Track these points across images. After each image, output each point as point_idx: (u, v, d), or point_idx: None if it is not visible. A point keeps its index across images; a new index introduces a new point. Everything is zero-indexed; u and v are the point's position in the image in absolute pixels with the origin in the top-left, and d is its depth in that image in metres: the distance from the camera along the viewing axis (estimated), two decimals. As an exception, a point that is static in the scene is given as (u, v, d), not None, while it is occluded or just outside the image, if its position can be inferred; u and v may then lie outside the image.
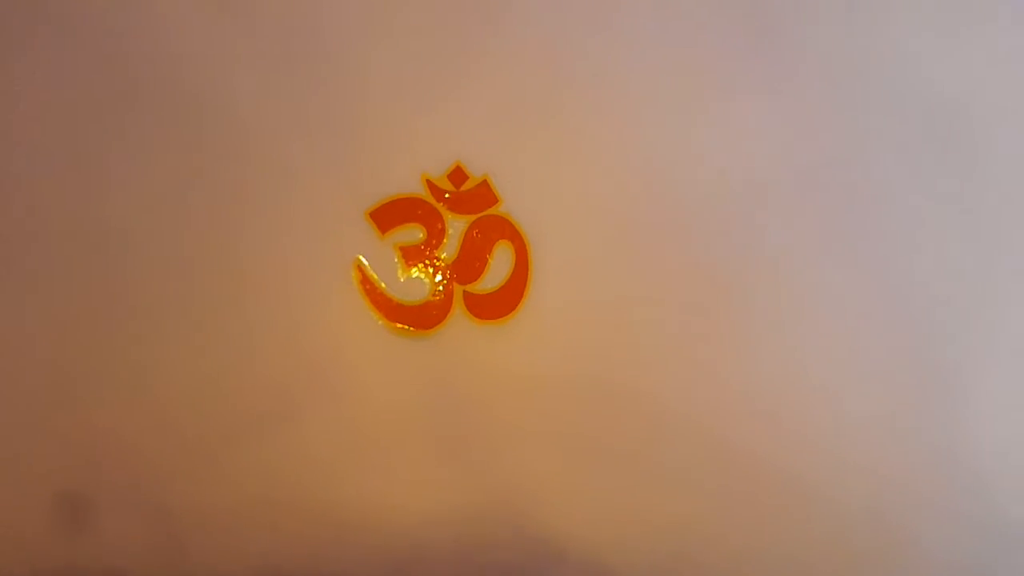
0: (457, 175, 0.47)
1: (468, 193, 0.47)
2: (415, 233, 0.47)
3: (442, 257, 0.47)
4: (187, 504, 0.52)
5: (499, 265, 0.48)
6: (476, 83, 0.46)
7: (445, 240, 0.47)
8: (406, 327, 0.48)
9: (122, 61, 0.47)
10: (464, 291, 0.48)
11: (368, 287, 0.47)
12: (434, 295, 0.47)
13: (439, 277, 0.47)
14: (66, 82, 0.48)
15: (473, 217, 0.47)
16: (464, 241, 0.47)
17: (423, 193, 0.47)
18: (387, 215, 0.47)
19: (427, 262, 0.47)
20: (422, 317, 0.48)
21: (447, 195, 0.47)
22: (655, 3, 0.47)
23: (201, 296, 0.49)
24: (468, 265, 0.47)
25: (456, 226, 0.47)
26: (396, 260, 0.47)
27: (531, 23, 0.47)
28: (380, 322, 0.48)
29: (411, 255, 0.47)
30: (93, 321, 0.49)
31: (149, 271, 0.49)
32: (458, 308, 0.48)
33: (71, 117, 0.48)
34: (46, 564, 0.53)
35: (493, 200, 0.47)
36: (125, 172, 0.47)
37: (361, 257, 0.47)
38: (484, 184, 0.47)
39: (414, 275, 0.48)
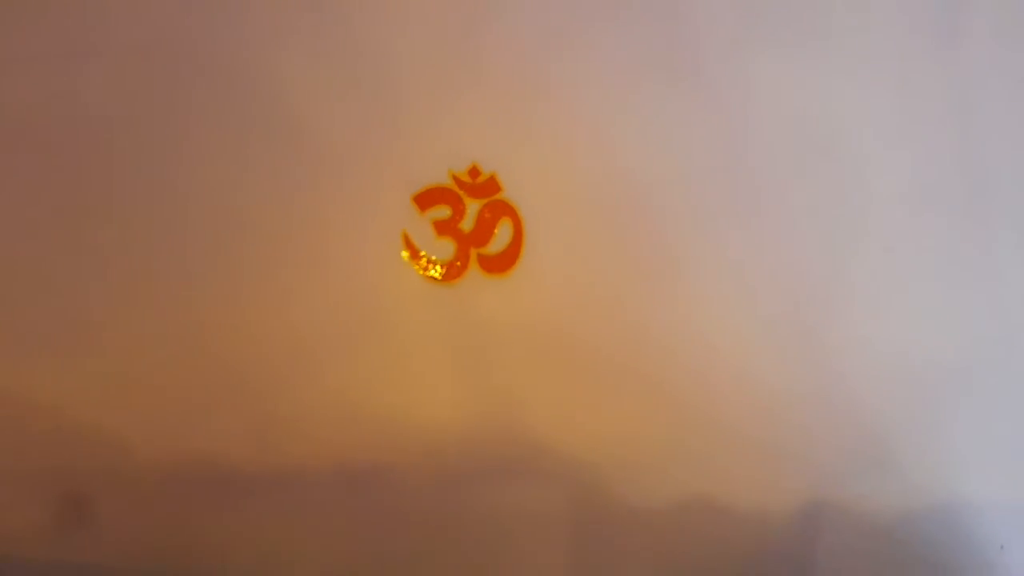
0: (473, 171, 0.67)
1: (481, 184, 0.67)
2: (444, 211, 0.67)
3: (462, 229, 0.67)
4: (279, 412, 0.71)
5: (502, 235, 0.68)
6: (489, 101, 0.67)
7: (464, 217, 0.67)
8: (437, 279, 0.67)
9: (191, 58, 0.67)
10: (478, 253, 0.68)
11: (411, 250, 0.67)
12: (456, 256, 0.67)
13: (460, 244, 0.67)
14: (135, 67, 0.66)
15: (484, 201, 0.67)
16: (478, 218, 0.67)
17: (450, 183, 0.67)
18: (425, 199, 0.67)
19: (452, 232, 0.67)
20: (448, 272, 0.68)
21: (466, 185, 0.67)
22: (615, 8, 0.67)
23: (286, 259, 0.68)
24: (480, 235, 0.67)
25: (472, 207, 0.67)
26: (431, 231, 0.67)
27: (523, 53, 0.68)
28: (418, 275, 0.68)
29: (441, 227, 0.67)
30: (212, 282, 0.68)
31: (244, 237, 0.68)
32: (473, 265, 0.68)
33: (140, 106, 0.66)
34: (168, 457, 0.72)
35: (497, 189, 0.67)
36: (208, 146, 0.66)
37: (406, 229, 0.67)
38: (492, 178, 0.67)
39: (442, 241, 0.68)
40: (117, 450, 0.73)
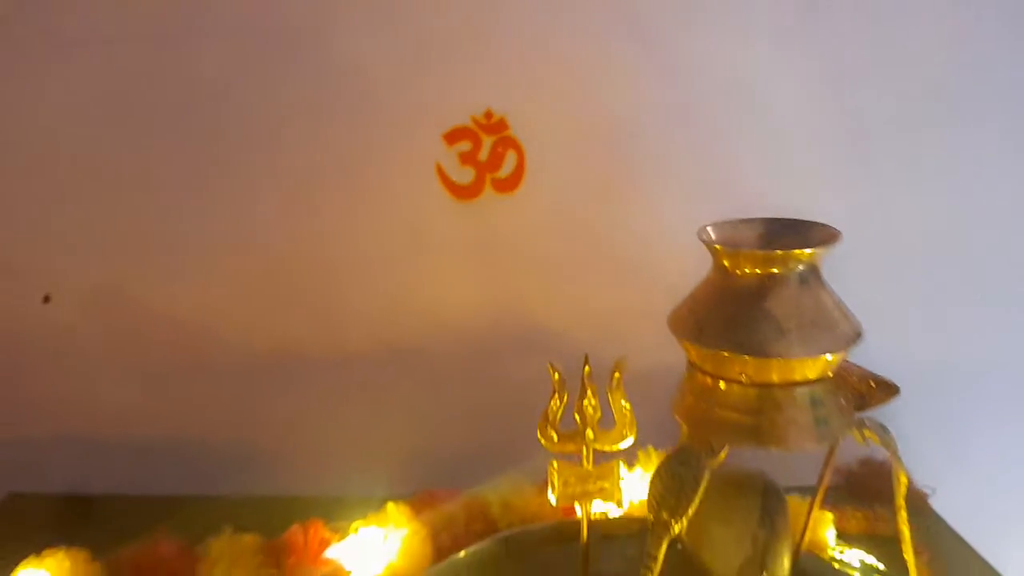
0: (488, 115, 0.88)
1: (493, 124, 0.88)
2: (466, 146, 0.88)
3: (480, 159, 0.89)
4: (338, 307, 0.92)
5: (509, 163, 0.89)
6: (499, 61, 0.87)
7: (481, 150, 0.88)
8: (461, 197, 0.89)
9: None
10: (491, 177, 0.89)
11: (442, 176, 0.88)
12: (475, 179, 0.89)
13: (477, 170, 0.89)
14: (235, 43, 0.84)
15: (496, 137, 0.88)
16: (491, 150, 0.88)
17: (471, 124, 0.88)
18: (452, 136, 0.88)
19: (472, 162, 0.88)
20: (469, 191, 0.89)
21: (483, 125, 0.88)
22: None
23: (347, 186, 0.89)
24: (493, 163, 0.89)
25: (487, 141, 0.88)
26: (456, 160, 0.88)
27: (525, 24, 0.87)
28: (447, 195, 0.89)
29: (464, 158, 0.88)
30: (290, 206, 0.88)
31: (316, 170, 0.88)
32: (488, 186, 0.89)
33: (240, 72, 0.84)
34: (251, 346, 0.92)
35: (506, 128, 0.88)
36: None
37: (439, 160, 0.88)
38: (502, 120, 0.88)
39: (465, 169, 0.89)
40: (211, 340, 0.94)
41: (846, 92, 0.88)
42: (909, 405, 0.84)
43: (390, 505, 0.69)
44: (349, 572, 0.64)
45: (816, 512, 0.64)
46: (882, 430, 0.43)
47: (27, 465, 0.86)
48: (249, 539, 0.65)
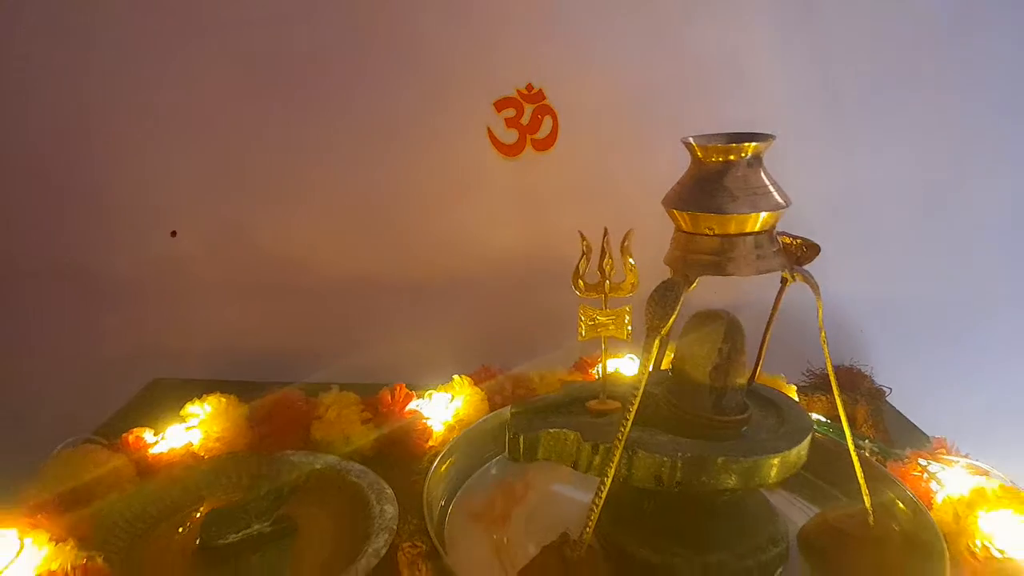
0: (529, 88, 1.08)
1: (533, 94, 1.08)
2: (511, 112, 1.08)
3: (522, 123, 1.09)
4: (407, 243, 1.12)
5: (545, 126, 1.09)
6: (538, 42, 1.07)
7: (523, 116, 1.09)
8: (506, 155, 1.09)
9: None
10: (531, 138, 1.09)
11: (492, 137, 1.08)
12: (518, 140, 1.09)
13: (520, 132, 1.09)
14: (325, 28, 1.05)
15: (535, 105, 1.08)
16: (531, 116, 1.08)
17: (515, 95, 1.08)
18: (500, 104, 1.08)
19: (515, 125, 1.09)
20: (513, 150, 1.09)
21: (524, 95, 1.08)
22: None
23: (414, 145, 1.09)
24: (533, 126, 1.09)
25: (528, 109, 1.08)
26: (503, 125, 1.09)
27: (557, 12, 1.06)
28: (496, 153, 1.09)
29: (510, 122, 1.08)
30: (370, 159, 1.09)
31: (388, 130, 1.08)
32: (528, 146, 1.09)
33: (326, 51, 1.05)
34: (336, 275, 1.12)
35: (543, 98, 1.08)
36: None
37: (489, 124, 1.08)
38: (540, 92, 1.08)
39: (510, 131, 1.09)
40: (306, 268, 1.14)
41: (827, 70, 1.07)
42: (892, 329, 1.03)
43: (456, 377, 0.89)
44: (427, 418, 0.84)
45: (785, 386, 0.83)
46: (808, 274, 0.62)
47: (167, 358, 1.08)
48: (351, 394, 0.85)
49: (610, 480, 0.58)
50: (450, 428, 0.83)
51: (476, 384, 0.88)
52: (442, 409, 0.85)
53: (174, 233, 1.13)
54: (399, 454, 0.81)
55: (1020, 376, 1.19)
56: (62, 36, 1.03)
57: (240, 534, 0.66)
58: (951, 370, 1.17)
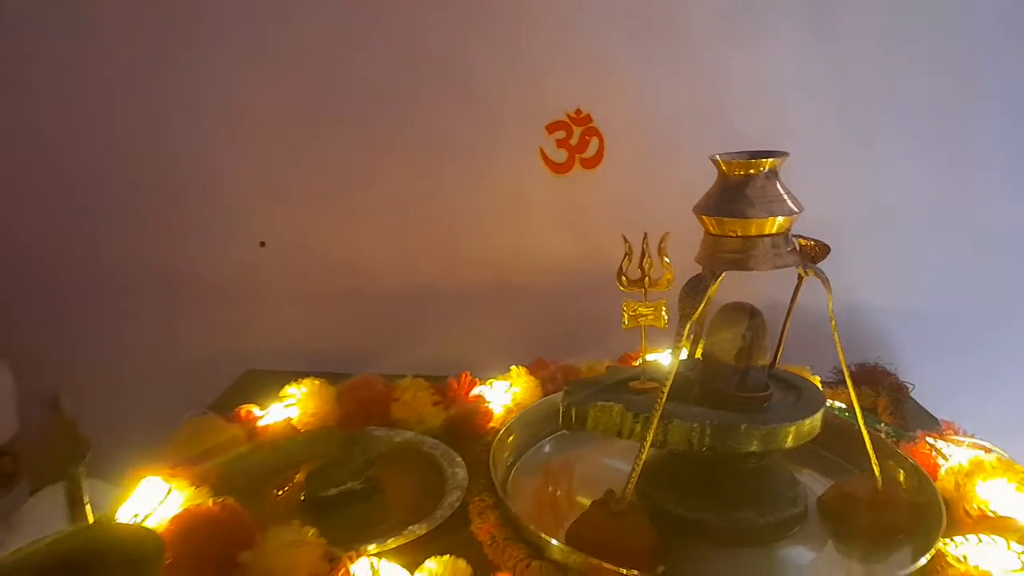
0: (578, 111, 1.21)
1: (581, 118, 1.21)
2: (561, 134, 1.21)
3: (571, 143, 1.21)
4: (464, 252, 1.25)
5: (592, 147, 1.22)
6: (588, 73, 1.20)
7: (572, 137, 1.21)
8: (557, 172, 1.22)
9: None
10: (579, 157, 1.21)
11: (543, 156, 1.21)
12: (568, 159, 1.21)
13: (569, 152, 1.21)
14: (389, 61, 1.20)
15: (583, 128, 1.21)
16: (580, 138, 1.21)
17: (565, 118, 1.21)
18: (551, 127, 1.21)
19: (565, 146, 1.21)
20: (563, 168, 1.22)
21: (573, 119, 1.21)
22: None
23: (472, 165, 1.22)
24: (581, 147, 1.21)
25: (577, 131, 1.21)
26: (554, 145, 1.22)
27: (602, 44, 1.20)
28: (547, 171, 1.22)
29: (560, 143, 1.21)
30: (429, 177, 1.22)
31: (448, 150, 1.22)
32: (577, 164, 1.22)
33: (394, 83, 1.21)
34: (398, 281, 1.25)
35: (590, 121, 1.21)
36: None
37: (541, 145, 1.21)
38: (588, 116, 1.21)
39: (560, 151, 1.22)
40: (369, 276, 1.28)
41: (849, 90, 1.17)
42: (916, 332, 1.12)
43: (513, 367, 1.02)
44: (488, 401, 0.96)
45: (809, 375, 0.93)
46: (819, 270, 0.72)
47: (254, 354, 1.23)
48: (423, 381, 0.98)
49: (648, 444, 0.70)
50: (509, 411, 0.95)
51: (531, 374, 1.00)
52: (502, 394, 0.97)
53: (263, 244, 1.28)
54: (465, 433, 0.93)
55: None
56: (156, 56, 1.19)
57: (337, 490, 0.79)
58: (975, 373, 1.25)
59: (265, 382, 1.03)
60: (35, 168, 1.26)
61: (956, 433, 0.83)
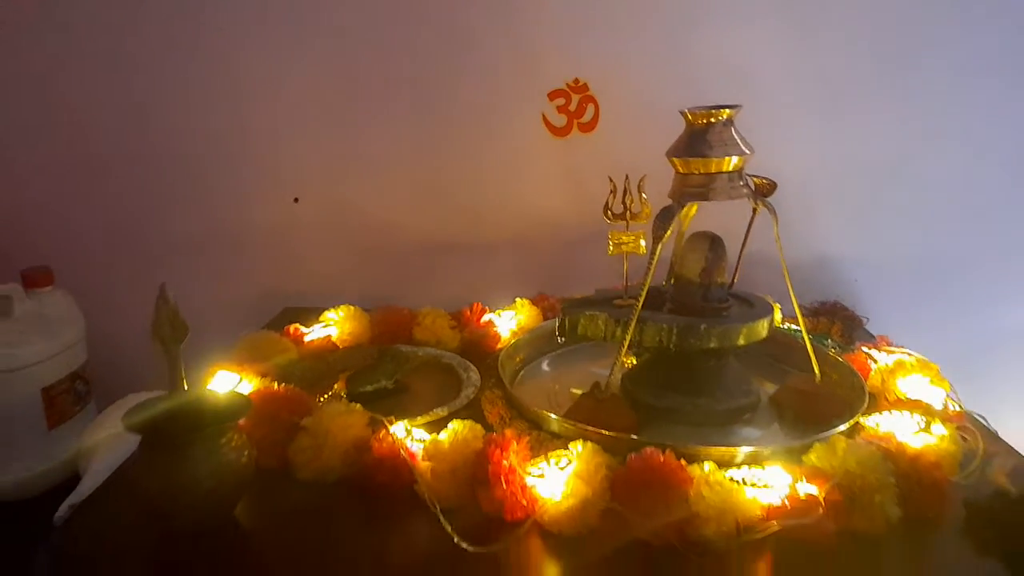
0: (576, 81, 1.38)
1: (579, 87, 1.37)
2: (561, 101, 1.38)
3: (570, 109, 1.38)
4: (475, 207, 1.43)
5: (589, 112, 1.38)
6: (585, 46, 1.36)
7: (571, 104, 1.38)
8: (557, 135, 1.38)
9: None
10: (577, 122, 1.38)
11: (545, 121, 1.38)
12: (567, 123, 1.38)
13: (568, 117, 1.38)
14: (408, 42, 1.38)
15: (581, 95, 1.38)
16: (578, 104, 1.38)
17: (565, 87, 1.37)
18: (552, 95, 1.37)
19: (565, 111, 1.38)
20: (562, 131, 1.39)
21: (572, 87, 1.38)
22: None
23: (481, 128, 1.39)
24: (579, 113, 1.38)
25: (575, 98, 1.38)
26: (554, 110, 1.38)
27: (599, 18, 1.36)
28: (548, 133, 1.39)
29: (560, 109, 1.38)
30: (443, 138, 1.40)
31: (458, 117, 1.39)
32: (575, 128, 1.38)
33: (409, 62, 1.38)
34: (417, 234, 1.43)
35: (587, 89, 1.37)
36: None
37: (544, 111, 1.38)
38: (585, 84, 1.37)
39: (560, 116, 1.38)
40: (395, 230, 1.46)
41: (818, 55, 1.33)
42: (876, 276, 1.29)
43: (518, 299, 1.19)
44: (497, 326, 1.14)
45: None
46: (768, 203, 0.89)
47: (292, 297, 1.41)
48: (441, 310, 1.16)
49: (627, 343, 0.87)
50: (515, 334, 1.12)
51: (534, 304, 1.17)
52: (508, 321, 1.15)
53: (296, 200, 1.45)
54: (477, 352, 1.11)
55: (992, 321, 1.43)
56: (193, 28, 1.36)
57: (373, 387, 0.97)
58: (932, 318, 1.41)
59: (300, 317, 1.20)
60: (96, 142, 1.43)
61: (888, 344, 1.00)
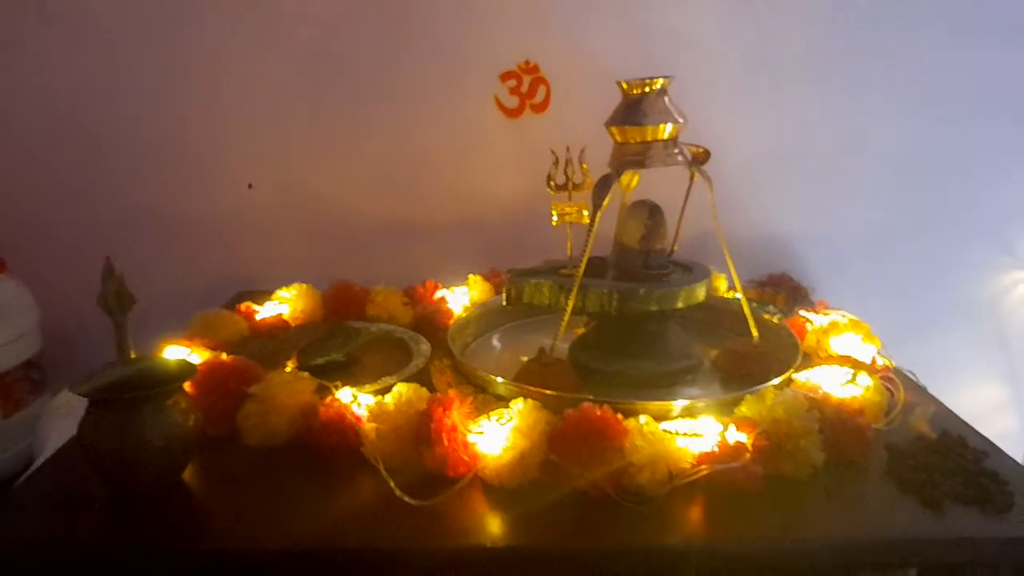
0: (527, 63, 1.41)
1: (530, 68, 1.41)
2: (513, 83, 1.41)
3: (522, 91, 1.42)
4: (426, 193, 1.45)
5: (540, 94, 1.42)
6: (535, 30, 1.40)
7: (523, 85, 1.41)
8: (509, 116, 1.42)
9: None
10: (529, 103, 1.42)
11: (498, 102, 1.42)
12: (519, 104, 1.42)
13: (520, 98, 1.42)
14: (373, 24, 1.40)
15: (532, 77, 1.41)
16: (529, 85, 1.41)
17: (516, 69, 1.41)
18: (504, 76, 1.41)
19: (517, 93, 1.42)
20: (515, 112, 1.42)
21: (523, 68, 1.41)
22: None
23: (432, 110, 1.42)
24: (531, 94, 1.42)
25: (527, 80, 1.41)
26: (506, 92, 1.42)
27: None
28: (501, 115, 1.42)
29: (512, 91, 1.42)
30: (398, 121, 1.42)
31: (409, 98, 1.42)
32: (528, 109, 1.42)
33: (369, 40, 1.41)
34: (378, 217, 1.45)
35: (538, 71, 1.41)
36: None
37: (496, 93, 1.42)
38: (536, 66, 1.41)
39: (512, 98, 1.42)
40: (349, 212, 1.48)
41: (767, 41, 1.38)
42: (825, 249, 1.34)
43: (471, 275, 1.22)
44: (449, 302, 1.17)
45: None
46: (703, 170, 0.93)
47: (245, 281, 1.43)
48: (392, 288, 1.19)
49: (570, 308, 0.91)
50: (467, 310, 1.15)
51: (486, 280, 1.21)
52: (461, 297, 1.18)
53: (250, 185, 1.47)
54: (430, 328, 1.13)
55: (939, 291, 1.50)
56: (153, 7, 1.37)
57: (324, 359, 0.99)
58: (877, 288, 1.47)
59: (254, 299, 1.22)
60: (47, 121, 1.43)
61: (826, 307, 1.05)
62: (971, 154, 1.44)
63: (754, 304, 1.17)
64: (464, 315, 1.10)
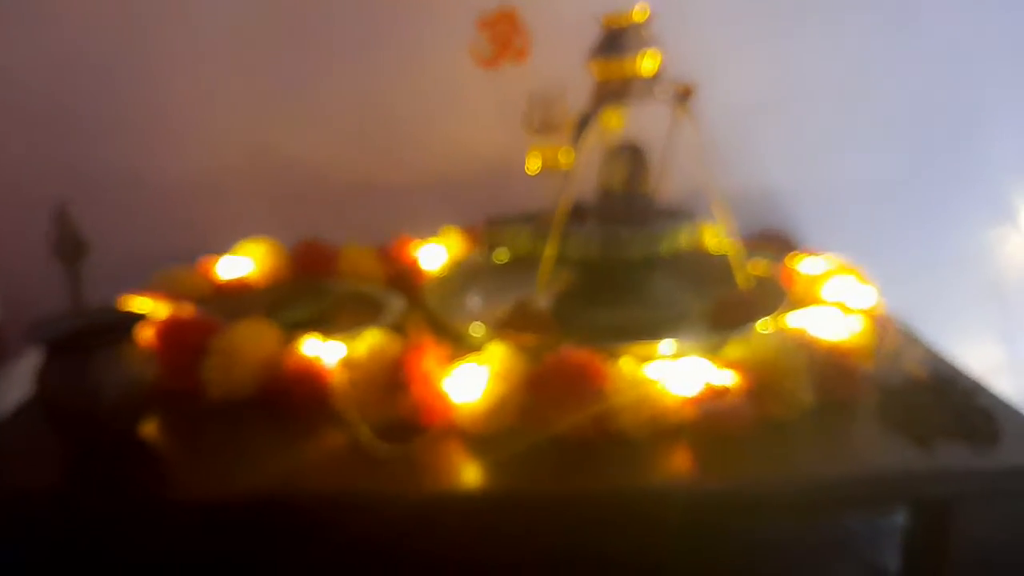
0: (504, 9, 1.41)
1: (508, 15, 1.40)
2: (489, 31, 1.41)
3: (498, 39, 1.41)
4: (401, 145, 1.45)
5: (519, 41, 1.41)
6: None
7: (500, 33, 1.41)
8: (486, 66, 1.41)
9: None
10: (507, 52, 1.41)
11: (473, 51, 1.41)
12: (496, 53, 1.41)
13: (497, 47, 1.41)
14: None
15: (510, 24, 1.41)
16: (506, 32, 1.41)
17: (492, 16, 1.40)
18: (481, 24, 1.40)
19: (494, 41, 1.41)
20: (492, 62, 1.41)
21: (502, 15, 1.41)
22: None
23: (415, 62, 1.42)
24: (508, 43, 1.41)
25: (503, 27, 1.41)
26: (486, 41, 1.41)
27: None
28: (478, 65, 1.42)
29: (489, 39, 1.41)
30: (372, 74, 1.42)
31: (387, 47, 1.41)
32: (507, 57, 1.42)
33: None
34: (342, 176, 1.45)
35: (516, 18, 1.41)
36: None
37: (471, 40, 1.41)
38: (514, 12, 1.41)
39: (490, 46, 1.41)
40: (318, 173, 1.47)
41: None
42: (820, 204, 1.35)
43: (445, 227, 1.23)
44: (424, 259, 1.17)
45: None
46: (691, 110, 0.94)
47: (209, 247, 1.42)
48: (367, 248, 1.19)
49: (550, 254, 0.91)
50: (444, 268, 1.16)
51: (463, 234, 1.21)
52: (438, 253, 1.18)
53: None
54: (405, 285, 1.14)
55: (936, 246, 1.52)
56: None
57: (293, 318, 0.99)
58: (870, 241, 1.48)
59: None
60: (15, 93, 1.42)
61: (818, 253, 1.07)
62: (977, 104, 1.46)
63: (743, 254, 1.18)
64: (440, 271, 1.10)
